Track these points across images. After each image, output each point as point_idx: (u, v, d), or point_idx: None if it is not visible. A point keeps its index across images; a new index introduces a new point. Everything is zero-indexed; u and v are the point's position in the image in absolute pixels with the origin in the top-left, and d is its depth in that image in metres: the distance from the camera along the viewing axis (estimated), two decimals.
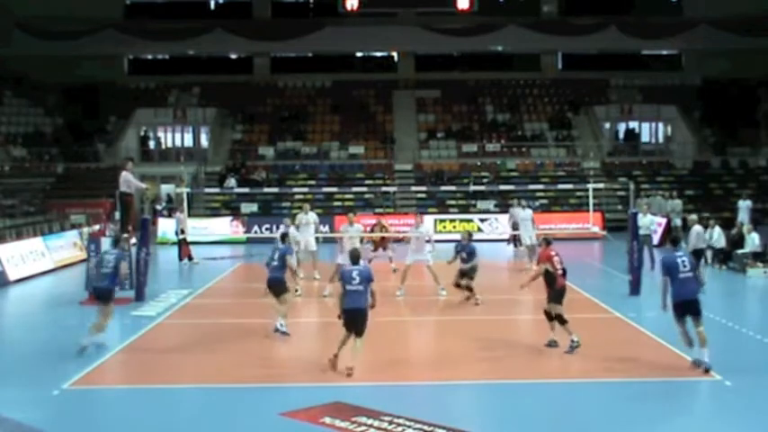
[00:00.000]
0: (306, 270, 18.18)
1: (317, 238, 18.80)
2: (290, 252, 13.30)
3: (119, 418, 9.22)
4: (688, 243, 17.44)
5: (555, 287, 11.69)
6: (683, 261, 10.76)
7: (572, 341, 11.59)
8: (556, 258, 11.72)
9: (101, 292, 12.50)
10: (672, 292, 10.67)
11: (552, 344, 11.83)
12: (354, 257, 11.20)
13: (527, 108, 38.89)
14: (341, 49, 39.90)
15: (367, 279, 10.71)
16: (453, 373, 10.75)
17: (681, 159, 36.03)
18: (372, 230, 20.20)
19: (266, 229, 27.57)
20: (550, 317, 11.83)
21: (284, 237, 14.12)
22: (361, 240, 17.64)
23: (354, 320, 10.61)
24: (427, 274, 16.62)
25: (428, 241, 16.98)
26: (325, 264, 18.49)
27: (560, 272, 11.71)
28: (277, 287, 12.86)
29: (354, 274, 10.73)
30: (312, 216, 18.63)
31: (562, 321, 11.71)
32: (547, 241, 12.16)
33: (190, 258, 22.91)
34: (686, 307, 10.64)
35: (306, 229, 18.33)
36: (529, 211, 20.79)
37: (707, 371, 10.32)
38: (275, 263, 12.95)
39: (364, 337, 10.64)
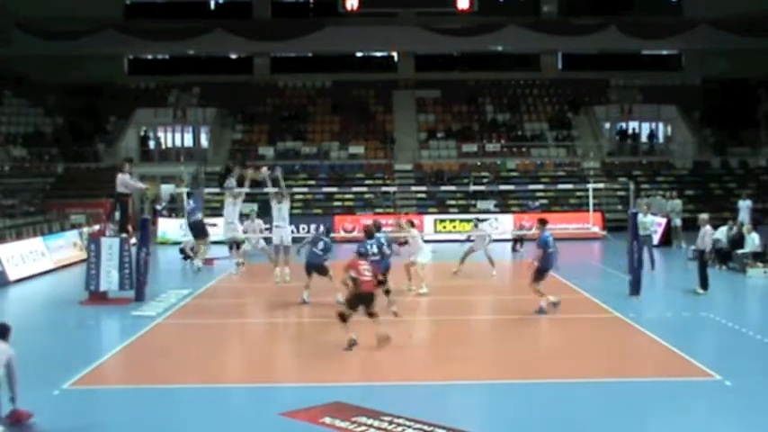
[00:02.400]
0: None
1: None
2: None
3: (119, 418, 9.22)
4: (696, 242, 17.42)
5: (356, 291, 12.06)
6: (552, 240, 14.58)
7: (352, 339, 11.85)
8: (362, 267, 12.14)
9: None
10: (542, 261, 14.34)
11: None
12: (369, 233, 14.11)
13: (527, 108, 38.89)
14: (341, 49, 39.88)
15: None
16: (453, 373, 10.75)
17: (681, 159, 36.03)
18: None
19: (266, 228, 27.55)
20: (341, 317, 11.97)
21: None
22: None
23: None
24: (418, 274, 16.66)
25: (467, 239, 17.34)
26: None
27: (367, 278, 12.07)
28: None
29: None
30: (258, 223, 19.32)
31: (342, 319, 11.88)
32: (359, 253, 13.13)
33: (192, 258, 22.87)
34: (546, 273, 14.53)
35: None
36: (485, 225, 21.15)
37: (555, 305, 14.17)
38: None
39: None
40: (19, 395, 8.60)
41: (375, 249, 14.06)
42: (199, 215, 16.51)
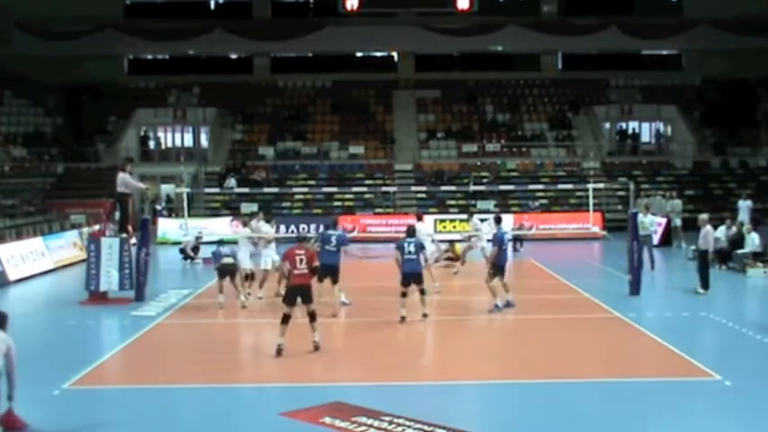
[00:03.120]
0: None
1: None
2: None
3: (119, 418, 9.22)
4: (698, 242, 17.42)
5: (289, 284, 11.81)
6: (508, 237, 15.85)
7: (280, 346, 11.43)
8: (297, 257, 11.66)
9: None
10: (498, 258, 14.79)
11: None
12: (410, 232, 14.48)
13: (527, 108, 38.88)
14: (341, 49, 39.86)
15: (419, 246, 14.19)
16: (453, 373, 10.75)
17: (681, 159, 36.03)
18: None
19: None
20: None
21: None
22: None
23: (417, 280, 13.96)
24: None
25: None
26: None
27: (300, 270, 11.60)
28: None
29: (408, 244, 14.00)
30: (262, 225, 18.79)
31: (283, 320, 11.50)
32: (300, 239, 12.82)
33: (192, 259, 22.86)
34: (504, 268, 14.97)
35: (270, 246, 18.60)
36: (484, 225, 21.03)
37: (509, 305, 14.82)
38: None
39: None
40: (17, 391, 8.45)
41: (412, 248, 13.99)
42: (227, 260, 16.14)
